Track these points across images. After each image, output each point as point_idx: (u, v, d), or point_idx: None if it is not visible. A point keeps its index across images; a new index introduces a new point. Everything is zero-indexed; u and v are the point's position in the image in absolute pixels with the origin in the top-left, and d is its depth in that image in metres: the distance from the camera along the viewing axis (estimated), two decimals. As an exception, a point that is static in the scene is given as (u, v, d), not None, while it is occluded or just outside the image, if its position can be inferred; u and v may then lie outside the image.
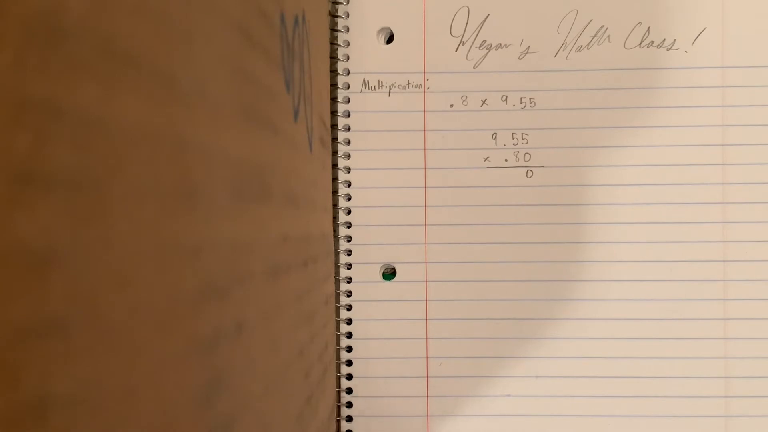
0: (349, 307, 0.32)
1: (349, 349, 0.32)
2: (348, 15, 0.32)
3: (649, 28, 0.32)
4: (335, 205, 0.32)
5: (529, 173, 0.32)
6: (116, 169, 0.09)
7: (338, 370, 0.32)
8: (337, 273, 0.32)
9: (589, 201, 0.32)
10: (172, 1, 0.11)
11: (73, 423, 0.08)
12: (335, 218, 0.32)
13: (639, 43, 0.32)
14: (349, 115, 0.32)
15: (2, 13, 0.06)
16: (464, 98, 0.32)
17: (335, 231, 0.32)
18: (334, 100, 0.32)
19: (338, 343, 0.32)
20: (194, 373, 0.12)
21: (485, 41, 0.32)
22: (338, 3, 0.32)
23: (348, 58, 0.32)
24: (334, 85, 0.32)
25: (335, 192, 0.32)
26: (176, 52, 0.11)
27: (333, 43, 0.32)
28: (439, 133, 0.32)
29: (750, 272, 0.31)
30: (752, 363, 0.31)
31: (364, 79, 0.32)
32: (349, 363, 0.32)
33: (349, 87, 0.32)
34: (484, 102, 0.32)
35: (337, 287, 0.32)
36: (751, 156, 0.31)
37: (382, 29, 0.32)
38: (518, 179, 0.32)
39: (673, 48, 0.32)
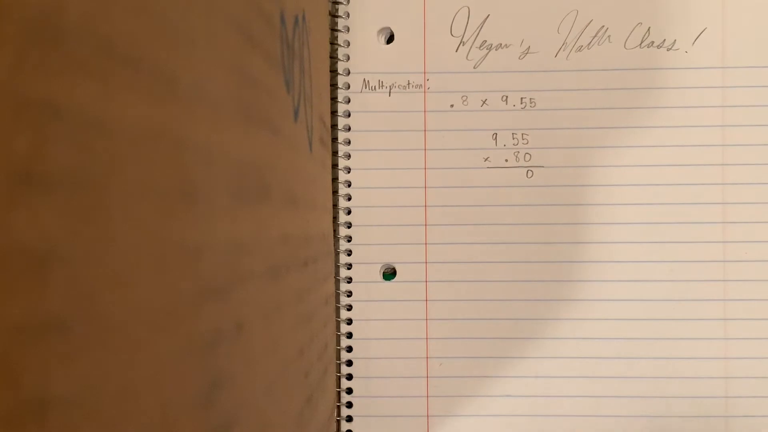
0: (349, 307, 0.32)
1: (349, 349, 0.32)
2: (348, 15, 0.32)
3: (649, 28, 0.32)
4: (335, 205, 0.32)
5: (529, 173, 0.32)
6: (116, 169, 0.09)
7: (338, 370, 0.32)
8: (337, 273, 0.32)
9: (589, 201, 0.32)
10: (172, 2, 0.11)
11: (73, 423, 0.08)
12: (335, 218, 0.32)
13: (639, 43, 0.32)
14: (349, 115, 0.32)
15: (2, 13, 0.06)
16: (464, 98, 0.32)
17: (335, 231, 0.32)
18: (334, 100, 0.32)
19: (338, 343, 0.32)
20: (194, 373, 0.12)
21: (485, 41, 0.32)
22: (338, 3, 0.32)
23: (348, 58, 0.32)
24: (334, 85, 0.32)
25: (335, 192, 0.32)
26: (176, 52, 0.11)
27: (333, 43, 0.32)
28: (439, 133, 0.32)
29: (750, 272, 0.31)
30: (752, 363, 0.31)
31: (364, 79, 0.32)
32: (349, 363, 0.32)
33: (349, 87, 0.32)
34: (484, 102, 0.32)
35: (337, 287, 0.32)
36: (751, 156, 0.31)
37: (382, 29, 0.32)
38: (518, 179, 0.32)
39: (673, 48, 0.32)
